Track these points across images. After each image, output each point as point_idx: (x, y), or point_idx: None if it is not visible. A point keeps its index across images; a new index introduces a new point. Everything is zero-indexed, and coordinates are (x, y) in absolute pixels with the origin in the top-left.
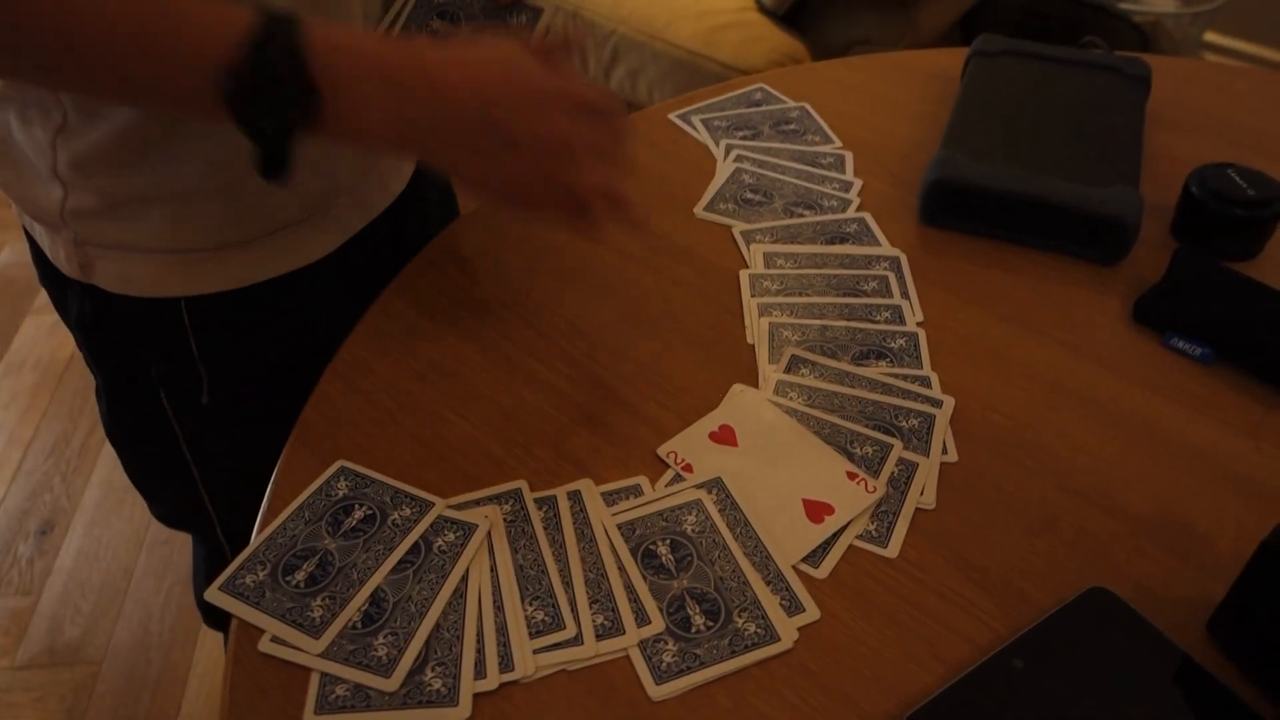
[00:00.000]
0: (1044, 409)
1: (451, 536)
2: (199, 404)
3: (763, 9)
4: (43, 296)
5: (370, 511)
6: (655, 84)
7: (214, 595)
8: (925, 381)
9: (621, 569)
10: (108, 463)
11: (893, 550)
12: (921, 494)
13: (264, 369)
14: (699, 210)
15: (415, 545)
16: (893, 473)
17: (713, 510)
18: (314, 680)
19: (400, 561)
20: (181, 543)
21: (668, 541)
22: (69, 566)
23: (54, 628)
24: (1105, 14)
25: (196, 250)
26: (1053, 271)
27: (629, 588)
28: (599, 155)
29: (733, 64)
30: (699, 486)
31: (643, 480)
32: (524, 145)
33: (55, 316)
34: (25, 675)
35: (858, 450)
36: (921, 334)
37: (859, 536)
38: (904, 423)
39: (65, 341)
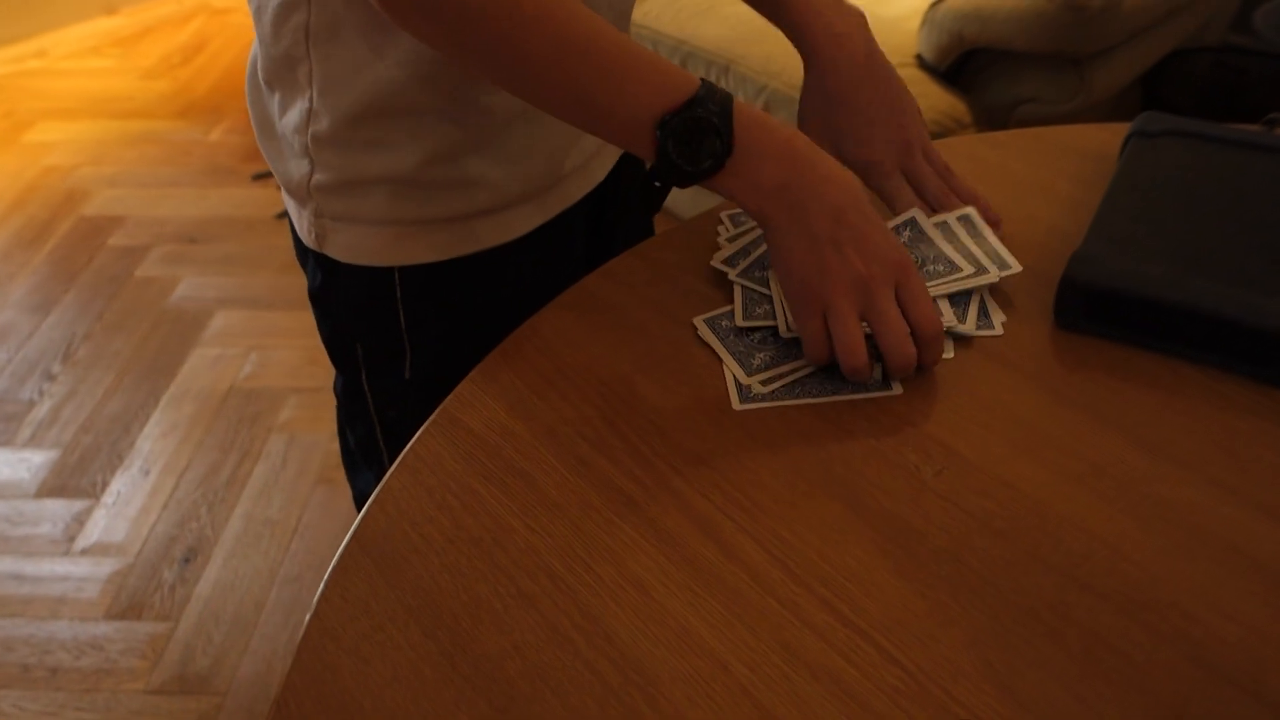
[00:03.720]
0: (1185, 562)
1: None
2: (400, 382)
3: (923, 65)
4: (209, 330)
5: None
6: None
7: None
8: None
9: None
10: (251, 496)
11: None
12: None
13: (463, 345)
14: None
15: None
16: None
17: None
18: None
19: None
20: (310, 580)
21: None
22: (206, 595)
23: (186, 656)
24: None
25: (414, 223)
26: (1213, 394)
27: None
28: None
29: None
30: None
31: None
32: (846, 250)
33: (219, 350)
34: (155, 700)
35: None
36: None
37: None
38: None
39: (225, 374)
